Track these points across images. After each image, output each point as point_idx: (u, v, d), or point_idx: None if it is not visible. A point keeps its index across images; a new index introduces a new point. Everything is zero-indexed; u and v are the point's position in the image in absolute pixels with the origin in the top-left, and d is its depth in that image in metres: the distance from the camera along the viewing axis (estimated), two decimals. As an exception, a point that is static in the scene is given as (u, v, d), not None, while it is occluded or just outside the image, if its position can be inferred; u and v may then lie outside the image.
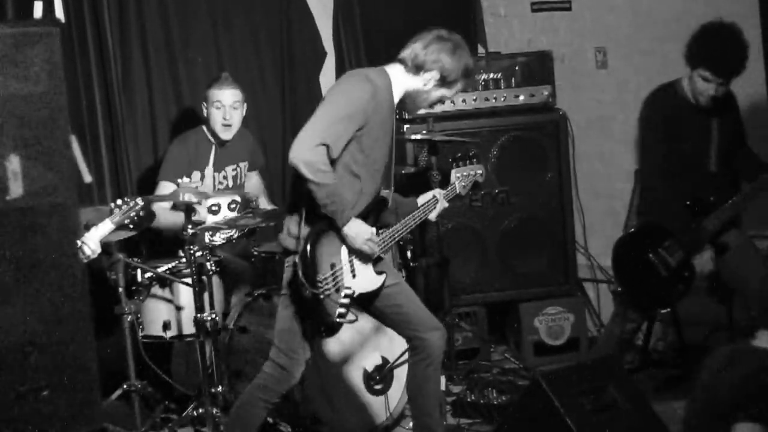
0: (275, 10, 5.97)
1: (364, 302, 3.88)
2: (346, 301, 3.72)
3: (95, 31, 5.20)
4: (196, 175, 5.06)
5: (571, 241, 5.78)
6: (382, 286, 3.85)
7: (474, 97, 5.62)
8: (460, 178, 4.25)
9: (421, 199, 4.10)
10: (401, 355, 4.78)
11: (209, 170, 5.14)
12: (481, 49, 6.42)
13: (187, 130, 5.31)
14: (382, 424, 4.67)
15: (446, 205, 4.15)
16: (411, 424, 4.77)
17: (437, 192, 4.14)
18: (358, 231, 3.71)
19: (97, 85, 5.21)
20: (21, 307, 2.70)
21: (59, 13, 4.93)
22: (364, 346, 4.66)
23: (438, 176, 5.03)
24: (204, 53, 5.68)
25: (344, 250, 3.75)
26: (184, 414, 4.57)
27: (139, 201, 4.20)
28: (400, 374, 4.78)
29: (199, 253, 4.40)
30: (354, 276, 3.77)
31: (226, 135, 5.10)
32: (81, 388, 2.83)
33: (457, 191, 4.24)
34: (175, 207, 4.51)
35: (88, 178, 5.01)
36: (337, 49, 6.25)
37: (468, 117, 5.62)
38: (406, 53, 3.81)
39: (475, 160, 4.38)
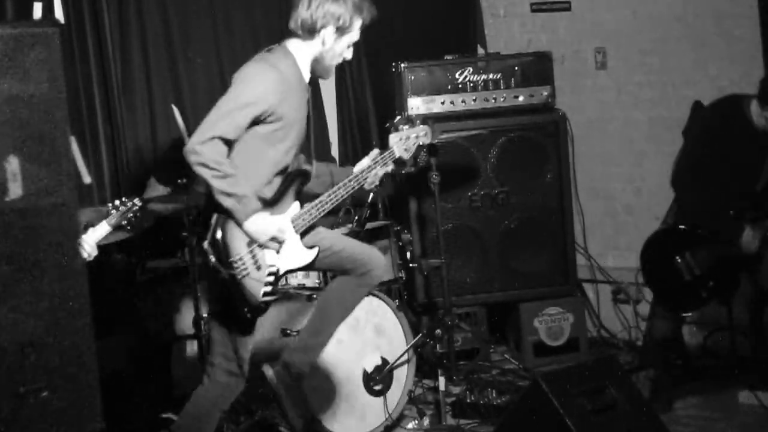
0: (275, 10, 5.97)
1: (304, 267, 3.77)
2: (270, 278, 3.60)
3: (95, 32, 5.20)
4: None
5: (570, 242, 5.78)
6: (315, 260, 3.73)
7: (474, 98, 5.62)
8: (400, 140, 3.98)
9: (357, 167, 3.93)
10: (401, 356, 4.78)
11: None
12: (480, 50, 6.43)
13: (189, 130, 5.30)
14: (382, 424, 4.67)
15: (386, 170, 3.95)
16: (410, 425, 4.78)
17: (373, 157, 3.94)
18: (260, 227, 3.56)
19: (96, 85, 5.21)
20: (21, 307, 2.70)
21: (59, 13, 4.93)
22: (364, 347, 4.66)
23: (437, 177, 5.03)
24: (204, 53, 5.68)
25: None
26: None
27: (137, 202, 4.19)
28: (400, 375, 4.78)
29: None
30: (278, 252, 3.65)
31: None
32: (80, 388, 2.83)
33: (397, 155, 3.97)
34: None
35: (87, 178, 5.01)
36: (337, 50, 6.25)
37: (468, 117, 5.62)
38: (293, 24, 3.69)
39: (419, 122, 4.09)
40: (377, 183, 3.98)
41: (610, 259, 6.22)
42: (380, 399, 4.65)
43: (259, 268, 3.60)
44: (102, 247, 4.40)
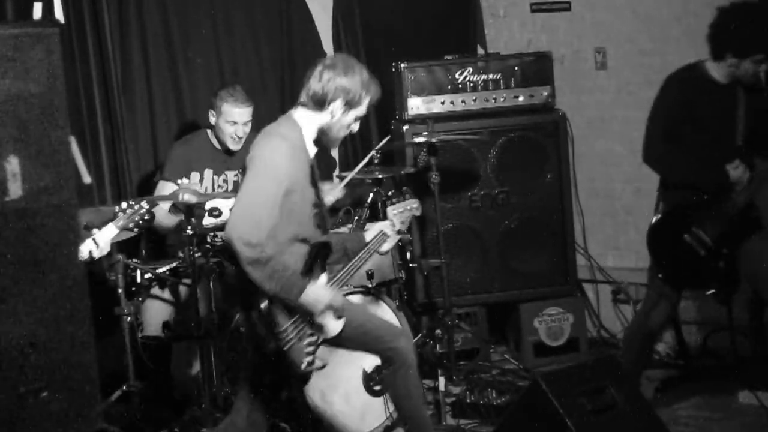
0: (275, 10, 5.97)
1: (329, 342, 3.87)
2: (311, 349, 3.70)
3: (95, 32, 5.20)
4: (195, 176, 5.06)
5: (570, 242, 5.78)
6: (343, 329, 3.84)
7: (474, 98, 5.62)
8: (396, 215, 4.15)
9: (369, 235, 4.07)
10: (401, 356, 4.78)
11: (208, 173, 5.14)
12: (480, 50, 6.43)
13: (188, 130, 5.31)
14: (382, 424, 4.67)
15: (396, 238, 4.15)
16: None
17: (384, 226, 4.10)
18: (312, 298, 3.66)
19: (96, 85, 5.21)
20: (21, 307, 2.70)
21: (59, 13, 4.93)
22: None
23: (437, 177, 5.03)
24: (204, 53, 5.68)
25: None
26: (184, 415, 4.57)
27: (144, 205, 4.18)
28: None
29: (198, 254, 4.41)
30: (313, 324, 3.75)
31: (235, 147, 5.11)
32: (81, 388, 2.83)
33: (397, 227, 4.15)
34: (174, 207, 4.50)
35: (87, 178, 5.01)
36: (337, 49, 6.25)
37: (468, 118, 5.62)
38: (303, 96, 3.76)
39: (408, 195, 4.28)
40: (385, 252, 4.18)
41: (610, 259, 6.22)
42: (380, 399, 4.65)
43: (300, 338, 3.69)
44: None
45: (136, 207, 4.16)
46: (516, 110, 5.66)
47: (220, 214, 5.11)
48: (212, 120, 5.11)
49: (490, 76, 5.64)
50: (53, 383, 2.74)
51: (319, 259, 3.79)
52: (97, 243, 4.06)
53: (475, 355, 5.65)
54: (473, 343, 5.65)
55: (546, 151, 5.67)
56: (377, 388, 4.66)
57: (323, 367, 3.83)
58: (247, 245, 3.48)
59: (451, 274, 5.41)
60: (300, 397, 4.49)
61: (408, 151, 5.54)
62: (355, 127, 3.86)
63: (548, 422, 3.66)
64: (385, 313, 4.78)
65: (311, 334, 3.72)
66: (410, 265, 5.42)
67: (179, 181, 4.66)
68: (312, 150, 3.83)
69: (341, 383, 4.59)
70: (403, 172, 5.32)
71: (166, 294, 4.73)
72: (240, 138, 5.07)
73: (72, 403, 2.79)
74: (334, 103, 3.72)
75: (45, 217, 2.75)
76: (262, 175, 3.61)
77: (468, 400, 4.88)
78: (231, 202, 5.12)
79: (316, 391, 4.56)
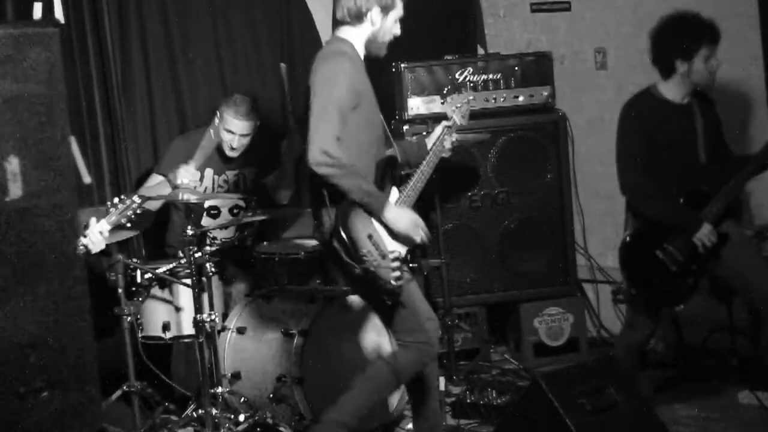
0: (275, 10, 5.97)
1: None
2: (396, 264, 3.79)
3: (95, 32, 5.20)
4: (196, 174, 5.06)
5: (570, 242, 5.78)
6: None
7: (474, 98, 5.60)
8: (455, 110, 4.28)
9: (429, 141, 4.19)
10: (401, 356, 4.78)
11: (209, 172, 5.14)
12: (480, 50, 6.42)
13: (188, 130, 5.31)
14: (382, 423, 4.67)
15: (455, 138, 4.24)
16: (410, 425, 4.78)
17: (443, 126, 4.21)
18: (396, 215, 3.81)
19: (96, 85, 5.21)
20: (21, 307, 2.70)
21: (59, 13, 4.92)
22: (364, 347, 4.66)
23: (437, 177, 5.01)
24: (204, 53, 5.68)
25: (374, 219, 3.82)
26: (184, 415, 4.57)
27: (136, 199, 4.19)
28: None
29: (198, 254, 4.41)
30: (393, 238, 3.85)
31: (231, 155, 5.14)
32: (81, 388, 2.83)
33: (458, 123, 4.27)
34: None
35: (87, 178, 5.01)
36: (337, 50, 6.25)
37: (470, 118, 5.60)
38: (339, 14, 3.91)
39: (463, 89, 4.53)
40: (450, 149, 4.24)
41: (610, 259, 6.20)
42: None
43: (383, 256, 3.78)
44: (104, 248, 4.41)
45: (128, 202, 4.16)
46: (516, 110, 5.66)
47: (219, 214, 5.12)
48: (216, 121, 5.12)
49: (490, 76, 5.64)
50: (53, 383, 2.75)
51: (388, 172, 3.93)
52: (90, 237, 4.06)
53: (475, 355, 5.65)
54: (473, 343, 5.65)
55: (546, 151, 5.67)
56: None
57: (412, 278, 3.94)
58: (325, 155, 3.62)
59: (451, 274, 5.41)
60: (300, 398, 4.50)
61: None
62: (397, 29, 3.99)
63: (548, 422, 3.66)
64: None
65: (392, 251, 3.81)
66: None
67: (179, 182, 4.66)
68: (362, 56, 3.95)
69: (341, 382, 4.59)
70: (403, 172, 5.31)
71: (166, 294, 4.73)
72: (234, 149, 5.09)
73: (72, 403, 2.79)
74: (371, 12, 3.87)
75: (45, 217, 2.75)
76: (328, 92, 3.72)
77: (468, 400, 4.88)
78: (229, 202, 5.17)
79: (317, 391, 4.56)
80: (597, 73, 6.33)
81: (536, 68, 5.68)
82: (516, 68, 5.65)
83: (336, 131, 3.67)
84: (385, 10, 3.89)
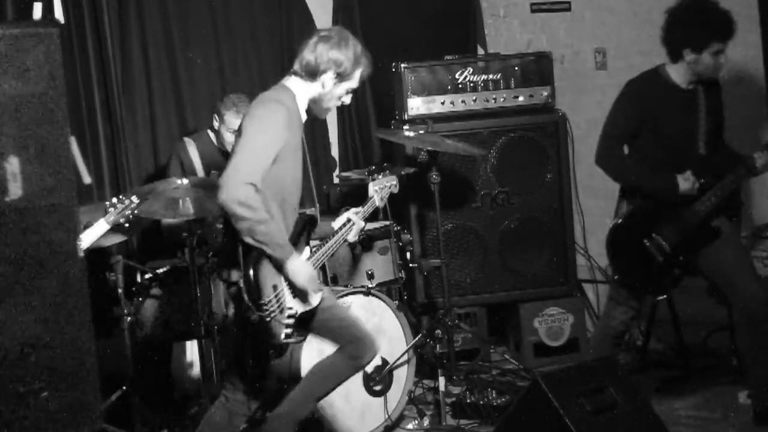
0: (275, 10, 5.98)
1: (305, 322, 3.87)
2: (290, 321, 3.73)
3: (95, 32, 5.21)
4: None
5: (570, 242, 5.78)
6: (320, 303, 3.86)
7: (474, 98, 5.62)
8: (377, 190, 4.25)
9: (336, 224, 4.10)
10: (401, 356, 4.78)
11: (214, 175, 5.15)
12: (480, 50, 6.43)
13: (187, 131, 5.31)
14: (381, 425, 4.67)
15: (363, 224, 4.14)
16: (410, 425, 4.79)
17: (351, 214, 4.11)
18: (298, 269, 3.70)
19: (96, 85, 5.21)
20: (21, 307, 2.69)
21: (59, 13, 4.93)
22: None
23: (437, 177, 5.03)
24: (204, 53, 5.68)
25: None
26: (184, 415, 4.57)
27: (135, 199, 4.20)
28: (400, 375, 4.79)
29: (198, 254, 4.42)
30: (294, 296, 3.78)
31: None
32: (81, 388, 2.82)
33: (376, 204, 4.25)
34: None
35: (87, 179, 5.02)
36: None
37: (467, 118, 5.62)
38: (296, 65, 3.83)
39: (387, 171, 4.42)
40: (360, 236, 4.16)
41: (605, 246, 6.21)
42: (380, 399, 4.65)
43: (281, 310, 3.72)
44: (103, 248, 4.41)
45: (126, 202, 4.17)
46: (516, 110, 5.66)
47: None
48: (215, 124, 5.12)
49: (490, 77, 5.64)
50: (53, 383, 2.74)
51: (305, 231, 3.86)
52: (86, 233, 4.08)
53: (475, 355, 5.65)
54: (473, 344, 5.65)
55: (546, 151, 5.67)
56: (377, 388, 4.67)
57: (303, 340, 3.90)
58: (243, 195, 3.52)
59: (451, 274, 5.41)
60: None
61: (408, 151, 5.54)
62: (347, 99, 3.92)
63: (548, 422, 3.66)
64: (386, 313, 4.79)
65: (290, 308, 3.74)
66: (410, 265, 5.42)
67: (178, 182, 4.66)
68: (303, 117, 3.88)
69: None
70: (403, 172, 5.32)
71: (166, 294, 4.73)
72: None
73: (72, 403, 2.79)
74: (325, 75, 3.79)
75: (45, 217, 2.74)
76: (258, 135, 3.65)
77: (468, 400, 4.88)
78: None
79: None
80: (597, 73, 6.34)
81: (536, 68, 5.68)
82: (516, 68, 5.65)
83: (257, 176, 3.58)
84: (340, 77, 3.81)
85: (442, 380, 4.80)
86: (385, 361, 4.69)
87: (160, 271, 4.67)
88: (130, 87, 5.40)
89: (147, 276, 4.64)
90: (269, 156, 3.64)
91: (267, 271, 3.68)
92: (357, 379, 4.59)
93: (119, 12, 5.36)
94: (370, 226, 5.22)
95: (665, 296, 4.85)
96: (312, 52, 3.79)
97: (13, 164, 2.67)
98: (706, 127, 4.59)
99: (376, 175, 4.34)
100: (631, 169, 4.62)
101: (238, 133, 3.75)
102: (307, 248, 3.89)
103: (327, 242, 4.00)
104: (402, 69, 5.60)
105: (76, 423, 2.80)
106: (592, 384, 3.82)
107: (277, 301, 3.70)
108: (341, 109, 6.29)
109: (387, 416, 4.66)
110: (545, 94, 5.67)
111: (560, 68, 6.00)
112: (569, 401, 3.68)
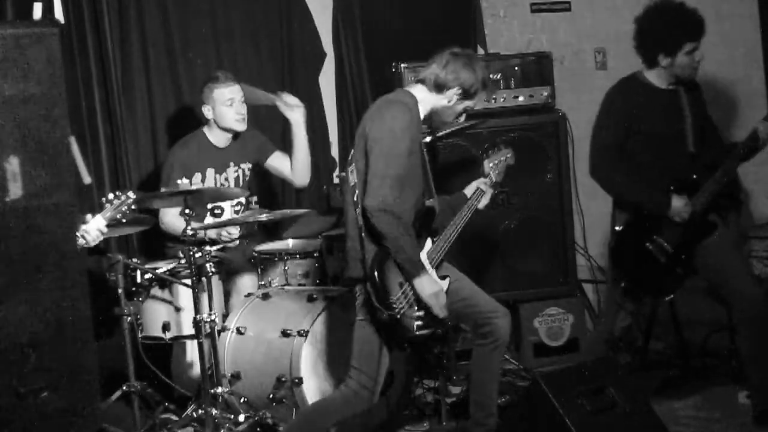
0: (275, 10, 5.97)
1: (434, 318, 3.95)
2: (421, 313, 3.84)
3: (95, 32, 5.21)
4: (197, 177, 5.06)
5: (570, 242, 5.78)
6: (448, 290, 3.98)
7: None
8: (493, 167, 4.42)
9: (468, 191, 4.32)
10: (401, 356, 4.78)
11: (210, 172, 5.14)
12: (480, 50, 6.43)
13: (187, 131, 5.31)
14: (383, 423, 4.66)
15: (492, 192, 4.39)
16: (409, 425, 4.78)
17: (480, 182, 4.34)
18: (425, 286, 3.82)
19: (96, 86, 5.21)
20: (21, 307, 2.70)
21: (58, 13, 4.93)
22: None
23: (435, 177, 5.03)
24: (204, 53, 5.68)
25: None
26: (184, 415, 4.57)
27: (131, 195, 4.21)
28: (399, 375, 4.78)
29: (198, 254, 4.41)
30: None
31: (242, 127, 5.12)
32: (81, 388, 2.83)
33: (494, 180, 4.41)
34: (183, 213, 4.49)
35: (87, 179, 5.01)
36: (337, 50, 6.26)
37: (468, 117, 5.59)
38: (425, 75, 4.01)
39: (502, 146, 4.63)
40: (487, 203, 4.39)
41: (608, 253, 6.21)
42: (382, 398, 4.64)
43: (411, 305, 3.83)
44: (102, 247, 4.41)
45: (123, 197, 4.17)
46: (516, 110, 5.66)
47: (222, 212, 5.11)
48: (208, 114, 5.10)
49: (490, 77, 5.62)
50: (53, 383, 2.75)
51: (425, 223, 4.00)
52: (86, 234, 4.07)
53: (475, 355, 5.64)
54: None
55: (546, 151, 5.66)
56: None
57: (434, 331, 3.95)
58: (386, 204, 3.73)
59: (450, 274, 5.40)
60: (300, 398, 4.51)
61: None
62: (462, 118, 4.16)
63: (548, 422, 3.66)
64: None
65: (420, 300, 3.85)
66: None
67: (178, 182, 4.66)
68: (422, 117, 4.05)
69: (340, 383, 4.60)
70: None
71: (166, 294, 4.73)
72: (243, 116, 5.08)
73: (72, 403, 2.79)
74: (451, 90, 3.99)
75: (45, 217, 2.75)
76: (392, 143, 3.81)
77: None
78: (233, 201, 5.16)
79: (315, 388, 4.57)
80: (597, 73, 6.34)
81: (536, 68, 5.67)
82: (516, 68, 5.65)
83: (398, 184, 3.77)
84: (465, 95, 4.00)
85: (442, 380, 4.80)
86: (385, 361, 4.69)
87: (160, 271, 4.66)
88: (130, 87, 5.40)
89: (147, 276, 4.64)
90: (407, 163, 3.82)
91: (392, 270, 3.81)
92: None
93: (119, 12, 5.35)
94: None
95: (671, 297, 4.85)
96: (443, 68, 3.98)
97: (13, 164, 2.68)
98: (693, 125, 4.61)
99: (489, 152, 4.54)
100: (624, 185, 4.66)
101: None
102: (429, 240, 4.02)
103: (455, 218, 4.17)
104: (402, 69, 5.59)
105: (76, 423, 2.81)
106: (592, 384, 3.82)
107: (405, 297, 3.81)
108: (341, 110, 6.30)
109: (387, 416, 4.65)
110: (545, 94, 5.67)
111: (560, 68, 5.99)
112: (569, 401, 3.68)
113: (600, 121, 4.70)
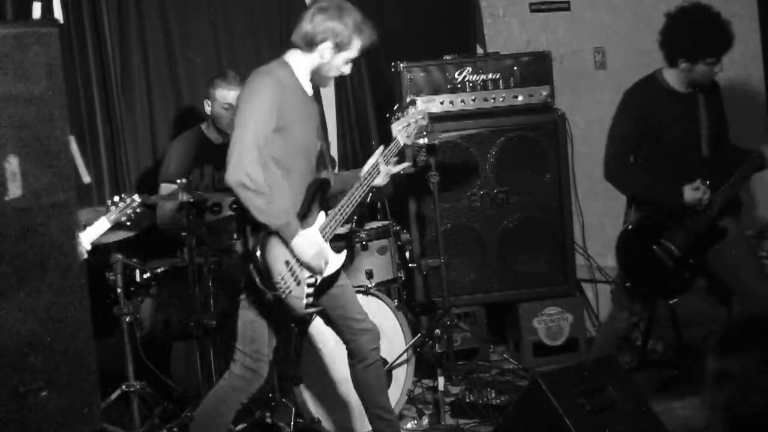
0: (275, 10, 5.97)
1: (320, 293, 3.88)
2: (310, 290, 3.76)
3: (94, 32, 5.20)
4: (196, 173, 5.07)
5: (570, 242, 5.78)
6: (343, 266, 3.90)
7: (473, 98, 5.62)
8: (401, 129, 4.13)
9: (365, 167, 4.07)
10: (400, 356, 4.79)
11: (208, 169, 5.14)
12: (479, 50, 6.43)
13: (186, 130, 5.31)
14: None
15: (391, 165, 4.09)
16: (409, 425, 4.79)
17: (378, 155, 4.07)
18: (304, 246, 3.73)
19: (96, 85, 5.21)
20: (21, 307, 2.69)
21: (58, 13, 4.93)
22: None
23: (436, 177, 5.03)
24: (204, 53, 5.68)
25: None
26: (183, 415, 4.57)
27: (136, 198, 4.21)
28: (399, 375, 4.79)
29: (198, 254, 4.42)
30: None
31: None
32: (80, 388, 2.82)
33: (401, 143, 4.12)
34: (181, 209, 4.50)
35: (87, 178, 5.01)
36: (337, 50, 6.25)
37: (467, 117, 5.62)
38: (295, 36, 3.85)
39: (411, 107, 4.21)
40: (387, 179, 4.11)
41: (610, 259, 6.17)
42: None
43: (299, 283, 3.74)
44: (102, 247, 4.41)
45: (128, 201, 4.18)
46: (515, 110, 5.66)
47: (221, 210, 5.11)
48: (207, 109, 5.10)
49: (489, 76, 5.64)
50: (53, 383, 2.74)
51: (317, 195, 3.86)
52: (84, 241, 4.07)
53: (474, 354, 5.65)
54: (472, 343, 5.65)
55: (545, 151, 5.67)
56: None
57: (322, 308, 3.89)
58: (246, 176, 3.60)
59: (450, 274, 5.41)
60: (300, 398, 4.50)
61: (407, 150, 5.54)
62: (346, 69, 3.91)
63: (548, 422, 3.66)
64: (385, 312, 4.79)
65: (309, 276, 3.77)
66: (409, 264, 5.42)
67: (179, 181, 4.66)
68: (308, 88, 3.90)
69: (340, 383, 4.60)
70: (402, 172, 5.31)
71: (166, 294, 4.73)
72: None
73: (72, 403, 2.79)
74: (322, 45, 3.79)
75: (45, 217, 2.74)
76: (250, 114, 3.70)
77: (467, 400, 4.88)
78: (231, 198, 5.15)
79: (316, 390, 4.57)
80: (596, 73, 6.34)
81: (535, 68, 5.68)
82: (515, 68, 5.65)
83: (256, 151, 3.64)
84: (338, 47, 3.81)
85: (441, 380, 4.81)
86: (384, 361, 4.69)
87: (160, 270, 4.66)
88: (130, 87, 5.40)
89: (146, 276, 4.64)
90: (268, 127, 3.68)
91: (277, 248, 3.70)
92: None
93: (119, 12, 5.35)
94: (369, 226, 5.24)
95: (677, 300, 4.84)
96: (309, 23, 3.80)
97: (13, 164, 2.67)
98: (709, 129, 4.60)
99: (398, 113, 4.18)
100: (639, 183, 4.64)
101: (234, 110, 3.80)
102: (322, 213, 3.89)
103: (350, 189, 3.98)
104: (401, 69, 5.60)
105: (76, 423, 2.80)
106: (591, 383, 3.82)
107: (292, 275, 3.72)
108: (340, 110, 6.29)
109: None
110: (544, 93, 5.67)
111: (559, 68, 6.00)
112: (569, 401, 3.68)
113: (617, 123, 4.68)
